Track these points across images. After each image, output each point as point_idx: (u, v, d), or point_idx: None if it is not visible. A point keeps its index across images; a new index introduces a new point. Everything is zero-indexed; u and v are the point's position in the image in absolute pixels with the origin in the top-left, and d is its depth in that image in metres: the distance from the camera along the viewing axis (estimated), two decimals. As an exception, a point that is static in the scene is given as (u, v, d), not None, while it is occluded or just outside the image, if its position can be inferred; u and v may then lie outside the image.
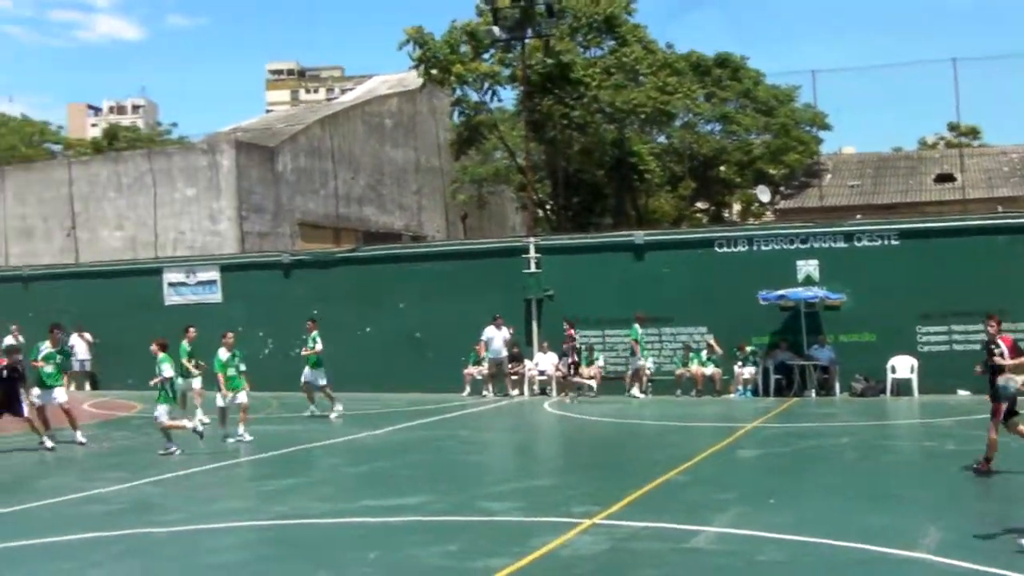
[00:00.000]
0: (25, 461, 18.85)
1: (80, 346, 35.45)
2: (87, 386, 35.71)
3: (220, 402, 21.05)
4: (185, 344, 24.75)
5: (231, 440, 20.59)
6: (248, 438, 20.71)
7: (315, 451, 19.28)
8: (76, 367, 35.49)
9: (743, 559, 9.92)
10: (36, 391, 20.82)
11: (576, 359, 29.41)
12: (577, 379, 29.54)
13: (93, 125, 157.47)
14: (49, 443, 20.05)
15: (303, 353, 26.37)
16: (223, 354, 21.26)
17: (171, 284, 35.98)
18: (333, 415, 25.04)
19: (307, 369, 25.83)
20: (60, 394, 20.97)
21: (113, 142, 76.90)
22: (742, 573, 9.55)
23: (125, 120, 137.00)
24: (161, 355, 19.72)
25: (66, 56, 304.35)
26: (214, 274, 35.53)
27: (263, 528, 12.11)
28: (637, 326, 29.04)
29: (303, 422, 24.59)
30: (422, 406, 27.53)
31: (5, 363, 20.37)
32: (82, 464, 18.61)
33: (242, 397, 21.01)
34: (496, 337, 30.36)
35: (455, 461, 17.87)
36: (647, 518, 11.83)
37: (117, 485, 15.44)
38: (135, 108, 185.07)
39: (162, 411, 19.37)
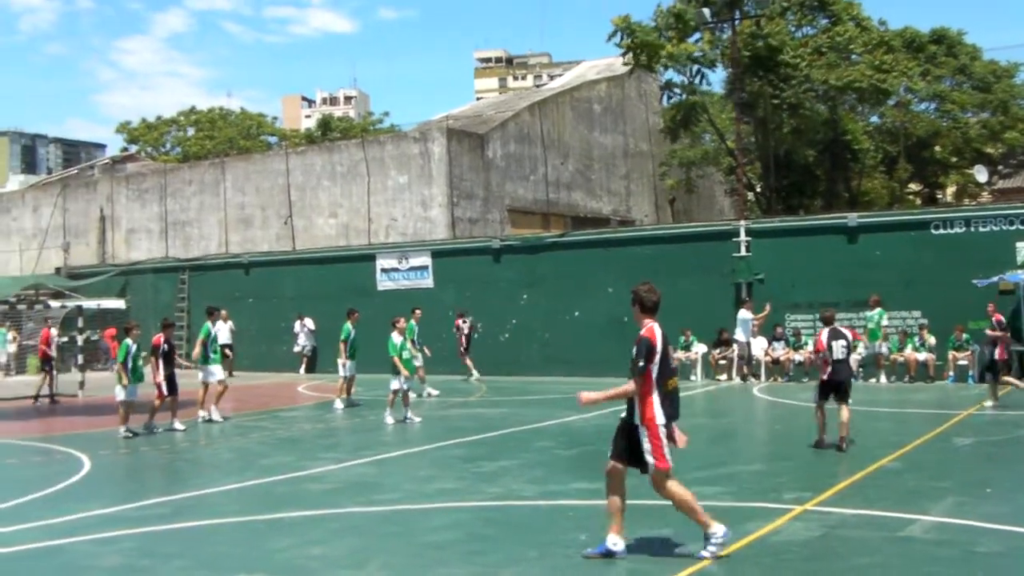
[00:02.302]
0: (244, 441, 19.62)
1: (302, 332, 37.06)
2: (301, 369, 36.97)
3: (396, 385, 21.76)
4: (413, 323, 25.97)
5: (396, 422, 21.44)
6: (417, 420, 21.62)
7: (526, 434, 19.53)
8: (296, 350, 37.19)
9: (960, 550, 9.71)
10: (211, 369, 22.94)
11: (465, 345, 32.00)
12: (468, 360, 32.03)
13: (307, 116, 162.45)
14: (180, 425, 21.31)
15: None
16: (396, 338, 21.93)
17: (384, 270, 36.93)
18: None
19: (351, 362, 25.57)
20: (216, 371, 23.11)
21: (327, 132, 79.03)
22: (960, 565, 9.32)
23: (338, 111, 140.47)
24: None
25: (281, 51, 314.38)
26: (426, 259, 36.31)
27: (476, 508, 12.37)
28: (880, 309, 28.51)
29: (512, 405, 24.96)
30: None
31: (164, 337, 21.53)
32: (298, 444, 19.26)
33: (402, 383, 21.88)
34: (746, 320, 30.10)
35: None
36: (859, 505, 11.68)
37: (332, 465, 15.97)
38: (347, 99, 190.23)
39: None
